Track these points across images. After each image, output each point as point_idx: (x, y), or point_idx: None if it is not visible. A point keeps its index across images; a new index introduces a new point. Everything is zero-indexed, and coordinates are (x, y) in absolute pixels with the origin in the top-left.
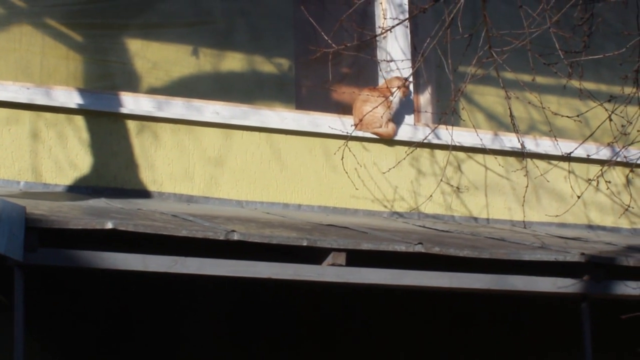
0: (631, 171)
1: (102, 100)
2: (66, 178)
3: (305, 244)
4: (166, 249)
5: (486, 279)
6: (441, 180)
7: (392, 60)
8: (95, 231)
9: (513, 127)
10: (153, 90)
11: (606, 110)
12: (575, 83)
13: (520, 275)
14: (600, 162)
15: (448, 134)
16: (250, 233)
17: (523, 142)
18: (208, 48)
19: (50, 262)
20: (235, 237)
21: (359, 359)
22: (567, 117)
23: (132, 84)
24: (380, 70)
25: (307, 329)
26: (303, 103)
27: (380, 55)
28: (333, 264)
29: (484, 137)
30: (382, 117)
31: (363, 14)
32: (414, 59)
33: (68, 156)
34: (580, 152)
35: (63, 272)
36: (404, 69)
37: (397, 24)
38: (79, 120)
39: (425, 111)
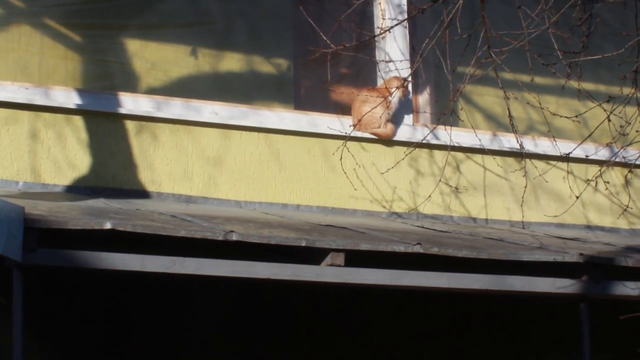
0: (630, 172)
1: (100, 100)
2: (65, 178)
3: (303, 244)
4: (165, 249)
5: (485, 280)
6: (440, 180)
7: (390, 61)
8: (94, 231)
9: (512, 128)
10: (152, 91)
11: (605, 110)
12: (574, 83)
13: (519, 276)
14: (599, 163)
15: (447, 135)
16: (248, 233)
17: (522, 142)
18: (207, 48)
19: (48, 262)
20: (234, 237)
21: (357, 359)
22: (566, 117)
23: (131, 84)
24: (379, 70)
25: (305, 329)
26: (302, 103)
27: (379, 55)
28: (332, 264)
29: (482, 138)
30: (380, 117)
31: (362, 14)
32: (412, 60)
33: (67, 156)
34: (579, 153)
35: (62, 273)
36: (403, 69)
37: (396, 25)
38: (78, 120)
39: (424, 111)
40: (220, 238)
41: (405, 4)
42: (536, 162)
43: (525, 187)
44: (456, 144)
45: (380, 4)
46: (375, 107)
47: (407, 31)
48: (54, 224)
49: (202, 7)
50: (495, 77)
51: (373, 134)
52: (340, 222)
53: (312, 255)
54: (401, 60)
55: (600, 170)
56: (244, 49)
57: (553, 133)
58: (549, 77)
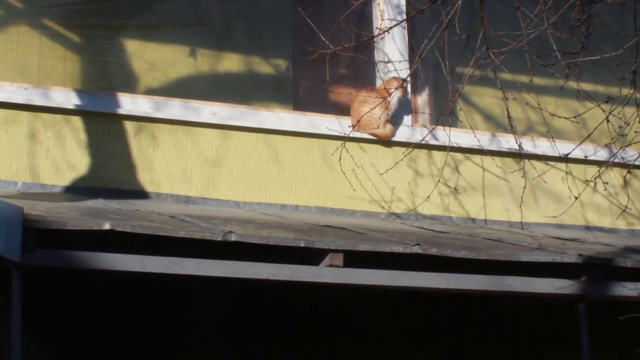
0: (628, 172)
1: (99, 101)
2: (64, 179)
3: (302, 244)
4: (164, 249)
5: (483, 280)
6: (439, 181)
7: (389, 61)
8: (93, 232)
9: (510, 128)
10: (151, 91)
11: (604, 111)
12: (572, 84)
13: (518, 276)
14: (598, 163)
15: (445, 135)
16: (247, 234)
17: (520, 143)
18: (206, 49)
19: (47, 262)
20: (233, 238)
21: (356, 359)
22: (565, 118)
23: (130, 85)
24: (378, 71)
25: (304, 329)
26: (301, 104)
27: (378, 56)
28: (330, 265)
29: (481, 138)
30: (379, 118)
31: (361, 15)
32: (411, 60)
33: (66, 157)
34: (577, 153)
35: (61, 273)
36: (402, 70)
37: (395, 25)
38: (77, 121)
39: (423, 112)
40: (219, 239)
41: (404, 4)
42: (535, 163)
43: (524, 187)
44: (455, 145)
45: (379, 4)
46: (374, 107)
47: (406, 32)
48: (53, 225)
49: (201, 8)
50: (494, 78)
51: (372, 134)
52: (339, 223)
53: (311, 256)
54: (400, 61)
55: (599, 170)
56: (243, 49)
57: (552, 134)
58: (548, 78)
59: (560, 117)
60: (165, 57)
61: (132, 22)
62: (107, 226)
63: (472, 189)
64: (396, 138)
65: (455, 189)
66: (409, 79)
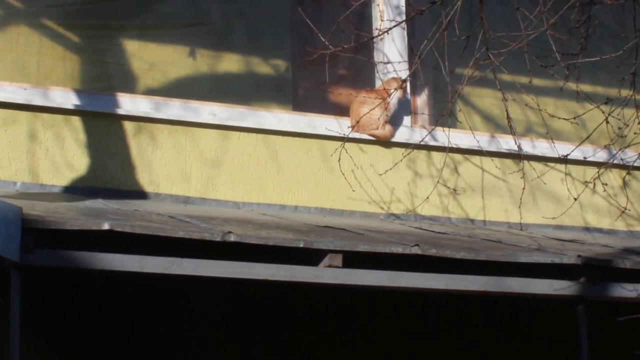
0: (628, 173)
1: (99, 101)
2: (63, 179)
3: (301, 245)
4: (163, 250)
5: (483, 281)
6: (438, 182)
7: (389, 62)
8: (92, 232)
9: (510, 129)
10: (150, 92)
11: (603, 112)
12: (572, 85)
13: (517, 277)
14: (597, 165)
15: (445, 136)
16: (246, 234)
17: (520, 144)
18: (205, 49)
19: (46, 262)
20: (232, 238)
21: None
22: (564, 119)
23: (129, 85)
24: (377, 72)
25: (303, 330)
26: (300, 104)
27: (377, 57)
28: (330, 266)
29: (480, 139)
30: (379, 118)
31: (360, 15)
32: (411, 61)
33: (65, 157)
34: (577, 155)
35: (60, 273)
36: (401, 70)
37: (394, 26)
38: (76, 121)
39: (422, 113)
40: (218, 239)
41: (404, 5)
42: (534, 164)
43: (524, 188)
44: (454, 146)
45: (378, 5)
46: (374, 108)
47: (405, 32)
48: (52, 225)
49: (200, 8)
50: (494, 79)
51: (371, 135)
52: (338, 224)
53: (310, 257)
54: (399, 62)
55: (598, 172)
56: (242, 50)
57: (551, 135)
58: (547, 79)
59: (559, 118)
60: (164, 57)
61: (132, 23)
62: (106, 226)
63: (472, 189)
64: (395, 139)
65: (454, 189)
66: (408, 79)
